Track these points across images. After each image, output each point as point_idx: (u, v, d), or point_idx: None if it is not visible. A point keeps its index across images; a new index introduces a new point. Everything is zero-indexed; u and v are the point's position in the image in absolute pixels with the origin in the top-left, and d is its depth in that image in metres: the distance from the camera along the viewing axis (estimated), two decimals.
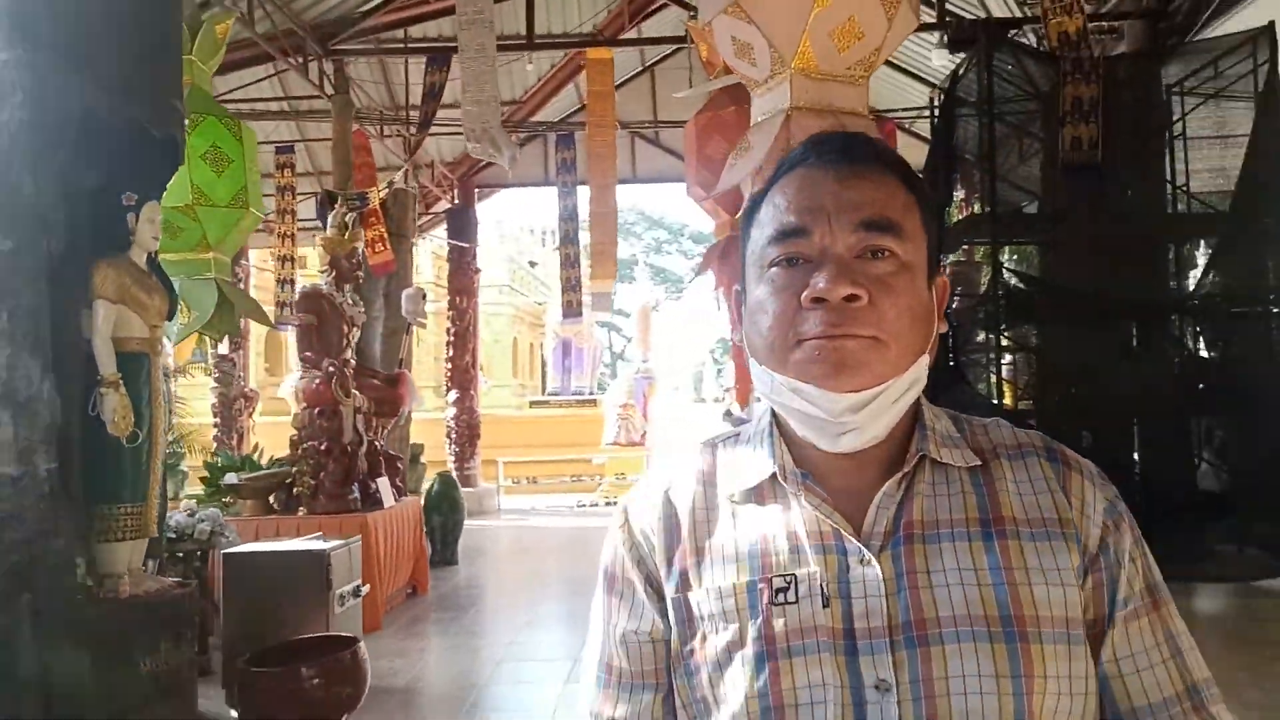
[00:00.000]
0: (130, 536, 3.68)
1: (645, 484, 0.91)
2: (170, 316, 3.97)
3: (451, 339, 12.28)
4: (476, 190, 12.80)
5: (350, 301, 6.57)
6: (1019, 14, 7.99)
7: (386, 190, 8.48)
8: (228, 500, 6.16)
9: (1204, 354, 6.97)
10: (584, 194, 11.38)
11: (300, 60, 7.72)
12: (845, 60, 3.72)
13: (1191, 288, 6.96)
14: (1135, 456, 7.22)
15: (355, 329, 6.58)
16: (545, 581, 7.80)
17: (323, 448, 6.00)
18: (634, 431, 14.56)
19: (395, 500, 6.46)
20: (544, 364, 25.43)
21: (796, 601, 0.77)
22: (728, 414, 9.36)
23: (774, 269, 0.79)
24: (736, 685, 0.77)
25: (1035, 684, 0.74)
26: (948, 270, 7.27)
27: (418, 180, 9.58)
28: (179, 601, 3.84)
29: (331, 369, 6.13)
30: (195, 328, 5.85)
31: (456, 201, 12.46)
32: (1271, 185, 6.17)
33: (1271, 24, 6.11)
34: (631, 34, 9.94)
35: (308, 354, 6.25)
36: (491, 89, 6.09)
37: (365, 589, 4.71)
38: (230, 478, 6.04)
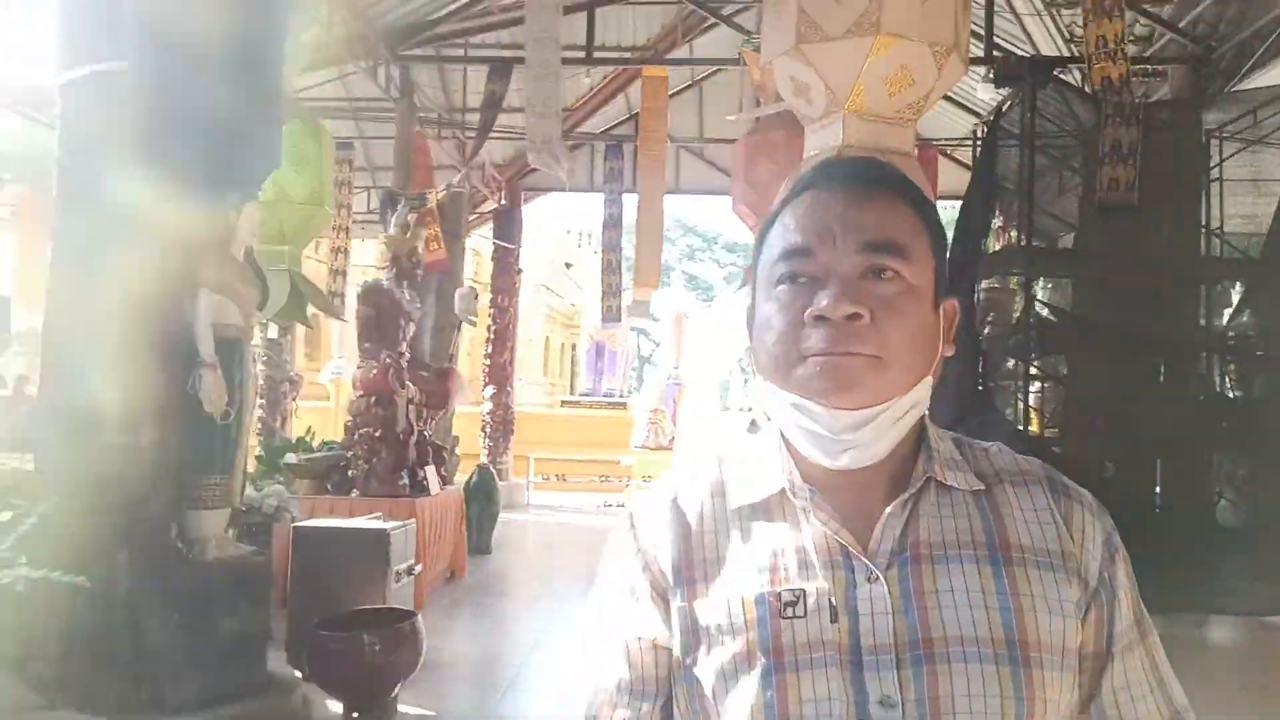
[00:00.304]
0: (217, 505, 4.04)
1: (653, 493, 0.92)
2: (262, 307, 4.33)
3: (491, 336, 12.63)
4: (524, 193, 13.17)
5: (408, 298, 6.92)
6: (1066, 52, 8.19)
7: (445, 192, 8.84)
8: (280, 479, 6.52)
9: (1230, 393, 7.13)
10: (629, 202, 11.81)
11: (371, 64, 8.10)
12: (895, 104, 4.00)
13: (1221, 329, 7.12)
14: (1157, 489, 7.41)
15: (411, 324, 6.94)
16: (574, 576, 8.10)
17: (377, 434, 6.35)
18: (662, 436, 14.86)
19: (440, 489, 6.80)
20: (574, 364, 25.81)
21: (805, 616, 0.78)
22: (753, 424, 9.60)
23: (780, 287, 0.81)
24: (743, 697, 0.78)
25: (1036, 708, 0.76)
26: (981, 295, 7.51)
27: (469, 181, 9.91)
28: (257, 568, 4.20)
29: (389, 361, 6.49)
30: (269, 316, 6.21)
31: (504, 202, 12.82)
32: None
33: None
34: (683, 50, 10.26)
35: (366, 345, 6.61)
36: (555, 103, 6.42)
37: (418, 568, 5.05)
38: (289, 458, 6.39)
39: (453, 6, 8.36)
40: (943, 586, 0.78)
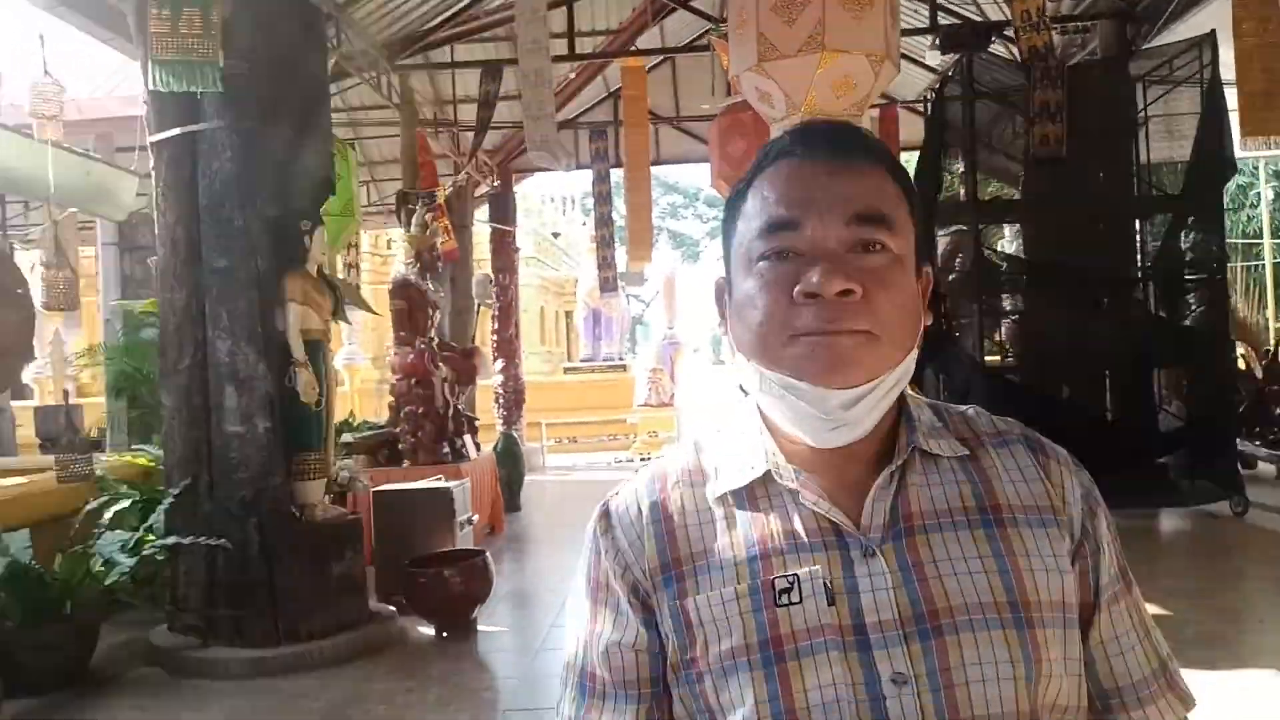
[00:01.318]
0: (317, 477, 4.96)
1: (627, 488, 0.89)
2: (336, 314, 5.21)
3: (496, 314, 13.49)
4: (514, 175, 13.92)
5: (432, 288, 7.80)
6: (1005, 17, 8.99)
7: (451, 189, 9.66)
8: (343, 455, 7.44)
9: (1162, 315, 8.07)
10: (615, 175, 12.60)
11: (374, 75, 8.86)
12: (842, 104, 4.86)
13: (1151, 259, 8.05)
14: (1108, 404, 8.38)
15: (437, 311, 7.82)
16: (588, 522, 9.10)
17: (420, 411, 7.26)
18: (663, 393, 15.82)
19: (476, 454, 7.73)
20: (569, 331, 26.66)
21: (800, 601, 0.76)
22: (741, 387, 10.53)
23: (763, 263, 0.78)
24: (744, 691, 0.76)
25: (1043, 668, 0.75)
26: (949, 240, 8.40)
27: (468, 172, 10.71)
28: (352, 525, 5.14)
29: (423, 346, 7.38)
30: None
31: (496, 186, 13.59)
32: (1213, 170, 7.24)
33: (1213, 31, 7.12)
34: (654, 31, 11.00)
35: (401, 334, 7.50)
36: (549, 106, 7.24)
37: (476, 517, 6.00)
38: (345, 437, 7.31)
39: (444, 17, 9.10)
40: (940, 556, 0.77)
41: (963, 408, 0.89)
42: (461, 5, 9.09)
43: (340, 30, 8.02)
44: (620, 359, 19.21)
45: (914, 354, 0.80)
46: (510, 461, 9.25)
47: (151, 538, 4.77)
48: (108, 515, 5.11)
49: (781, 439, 0.83)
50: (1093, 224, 8.02)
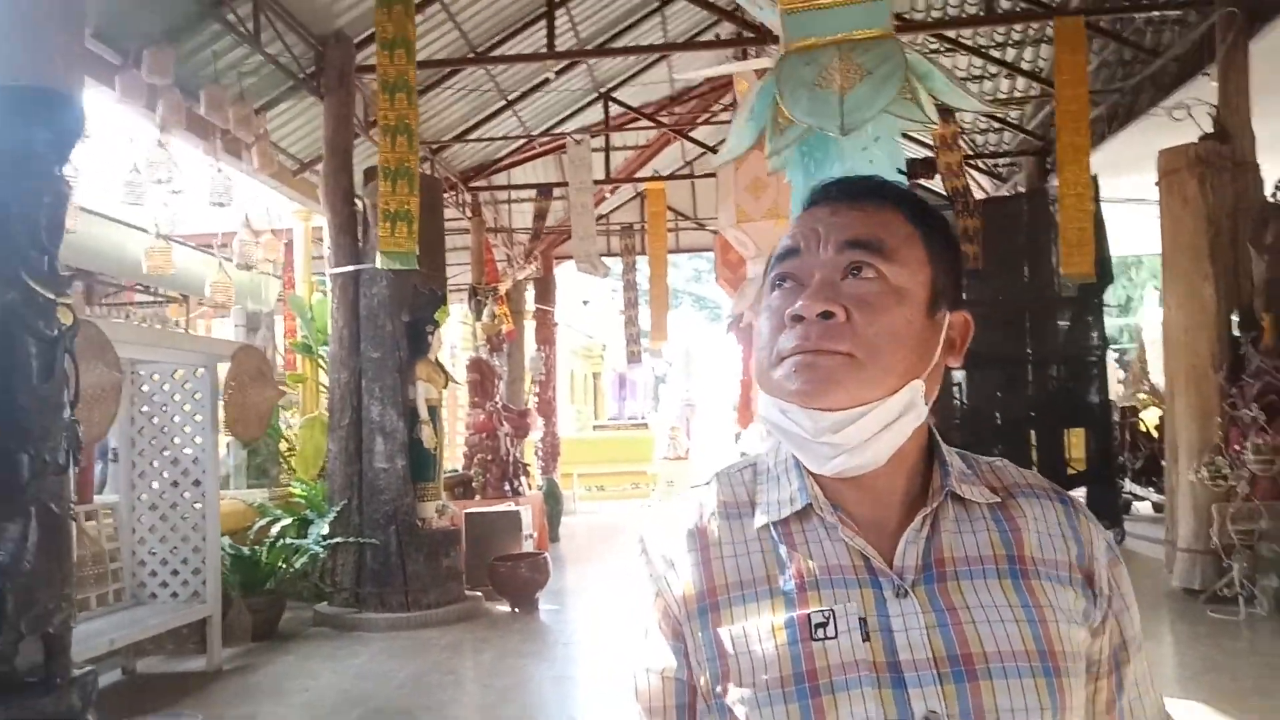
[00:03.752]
0: (433, 499, 7.24)
1: (666, 515, 0.90)
2: (446, 387, 7.54)
3: (538, 379, 15.85)
4: (554, 261, 16.42)
5: (497, 363, 10.14)
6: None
7: (510, 285, 12.08)
8: None
9: (1069, 387, 10.23)
10: (640, 264, 15.02)
11: (454, 195, 11.36)
12: None
13: (1059, 344, 10.24)
14: (1032, 456, 10.49)
15: (501, 381, 10.15)
16: (614, 553, 11.29)
17: (489, 459, 9.54)
18: (680, 448, 18.02)
19: (529, 492, 9.98)
20: (596, 392, 29.00)
21: (836, 636, 0.77)
22: (738, 436, 12.67)
23: (773, 293, 0.83)
24: None
25: (1067, 716, 0.78)
26: None
27: (526, 271, 13.14)
28: (454, 534, 7.39)
29: (491, 409, 9.70)
30: None
31: (539, 271, 16.07)
32: (1099, 280, 9.47)
33: (1095, 175, 9.41)
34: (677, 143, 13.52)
35: (475, 399, 9.82)
36: (591, 229, 9.64)
37: (535, 534, 8.23)
38: None
39: (506, 151, 11.63)
40: (972, 602, 0.79)
41: (990, 458, 0.90)
42: (521, 143, 11.62)
43: (433, 165, 10.54)
44: (643, 418, 21.48)
45: (917, 386, 0.80)
46: (553, 501, 11.48)
47: (323, 539, 7.03)
48: (275, 529, 7.39)
49: (819, 476, 0.83)
50: (1018, 318, 10.26)
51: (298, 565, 6.93)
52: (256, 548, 6.82)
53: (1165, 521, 7.14)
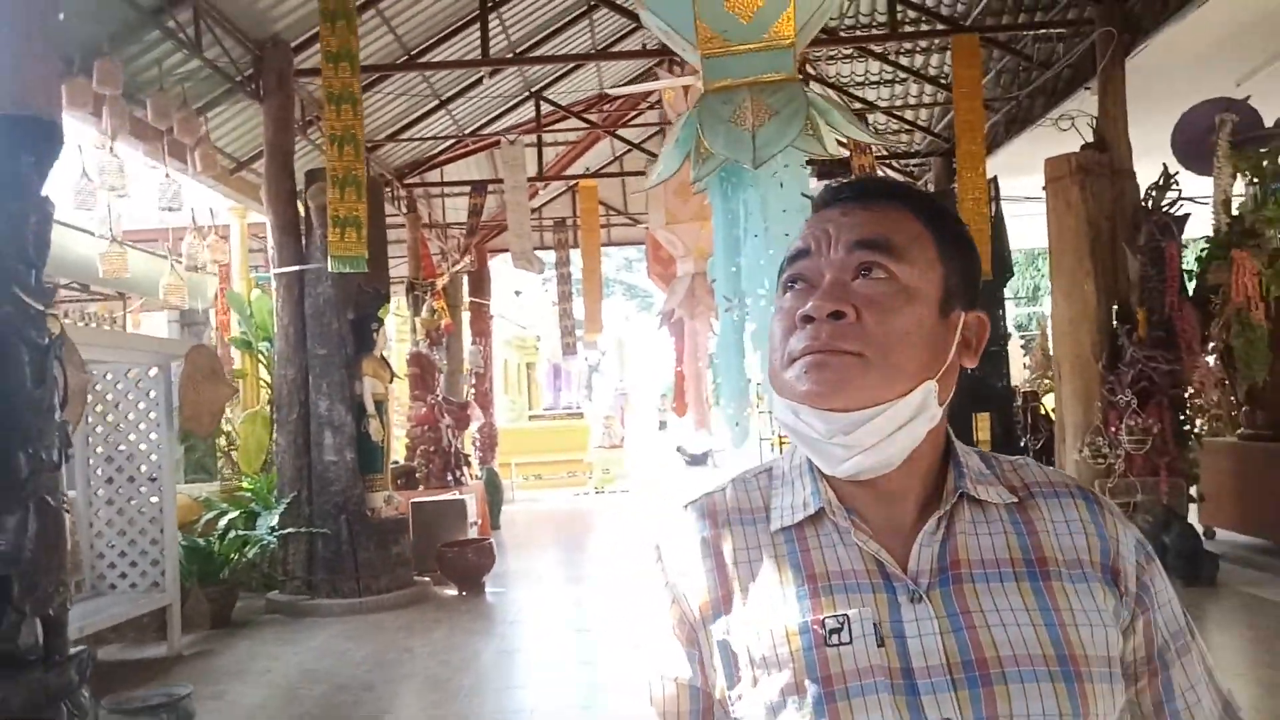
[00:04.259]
0: (380, 490, 7.56)
1: (681, 521, 0.90)
2: (391, 382, 7.84)
3: (476, 371, 16.12)
4: (488, 254, 16.68)
5: (436, 357, 10.45)
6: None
7: (447, 279, 12.35)
8: None
9: (977, 374, 11.00)
10: (573, 257, 15.40)
11: (389, 192, 11.57)
12: None
13: None
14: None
15: (440, 374, 10.46)
16: (557, 537, 11.71)
17: (431, 450, 9.86)
18: (615, 437, 18.50)
19: (470, 481, 10.33)
20: (530, 382, 29.29)
21: (850, 642, 0.77)
22: (663, 424, 13.19)
23: (784, 295, 0.83)
24: None
25: None
26: None
27: (461, 264, 13.41)
28: (402, 522, 7.73)
29: (432, 401, 10.00)
30: None
31: (473, 265, 16.32)
32: (999, 272, 10.23)
33: (995, 177, 10.15)
34: (606, 140, 13.93)
35: (416, 392, 10.11)
36: (527, 227, 10.00)
37: (479, 521, 8.60)
38: None
39: (440, 149, 11.89)
40: (987, 606, 0.78)
41: (1013, 457, 0.90)
42: (453, 141, 11.89)
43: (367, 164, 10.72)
44: (578, 407, 21.89)
45: (930, 387, 0.79)
46: (493, 490, 11.84)
47: (273, 530, 7.30)
48: (223, 522, 7.62)
49: (832, 479, 0.83)
50: None
51: (250, 555, 7.19)
52: (210, 539, 7.06)
53: None
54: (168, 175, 6.52)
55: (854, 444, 0.78)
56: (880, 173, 10.40)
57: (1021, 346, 17.20)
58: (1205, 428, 7.31)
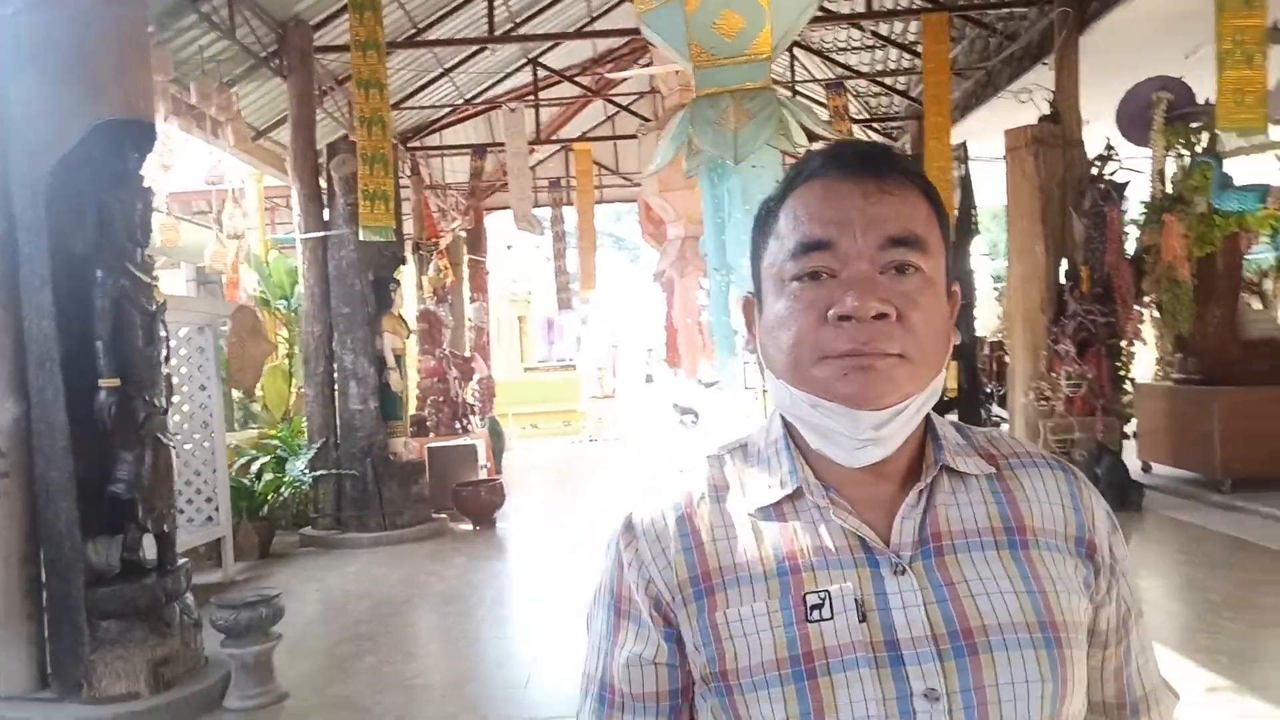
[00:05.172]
0: (400, 435, 8.36)
1: (652, 501, 0.88)
2: (408, 337, 8.58)
3: (477, 326, 16.86)
4: (484, 212, 17.30)
5: (443, 313, 11.17)
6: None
7: (449, 239, 13.02)
8: None
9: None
10: (567, 214, 16.06)
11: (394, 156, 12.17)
12: None
13: None
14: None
15: (446, 329, 11.19)
16: (554, 478, 12.59)
17: (440, 400, 10.64)
18: (607, 388, 19.36)
19: (477, 429, 11.13)
20: (522, 335, 30.06)
21: (832, 618, 0.77)
22: (649, 377, 13.95)
23: (795, 283, 0.79)
24: (777, 707, 0.77)
25: (1068, 686, 0.78)
26: None
27: (464, 224, 14.07)
28: (420, 464, 8.54)
29: (440, 355, 10.76)
30: None
31: (470, 222, 16.95)
32: (965, 231, 10.97)
33: (964, 143, 10.85)
34: (598, 102, 14.51)
35: (425, 347, 10.85)
36: (528, 190, 10.65)
37: (488, 465, 9.43)
38: None
39: (444, 112, 12.47)
40: (970, 575, 0.79)
41: (986, 429, 0.91)
42: (457, 104, 12.47)
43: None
44: (571, 360, 22.70)
45: (943, 373, 0.81)
46: (496, 437, 12.64)
47: (305, 472, 8.08)
48: (254, 466, 8.40)
49: (811, 456, 0.84)
50: None
51: (285, 495, 8.00)
52: (251, 479, 7.85)
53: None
54: (210, 151, 7.15)
55: (880, 437, 0.78)
56: (861, 135, 11.07)
57: (996, 299, 18.05)
58: (1153, 375, 8.11)
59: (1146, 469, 8.33)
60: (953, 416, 11.39)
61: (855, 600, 0.78)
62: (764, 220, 0.85)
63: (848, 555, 0.80)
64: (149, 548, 4.22)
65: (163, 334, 4.31)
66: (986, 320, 11.93)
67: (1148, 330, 7.54)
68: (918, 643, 0.76)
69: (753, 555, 0.82)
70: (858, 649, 0.76)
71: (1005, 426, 12.81)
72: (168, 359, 4.36)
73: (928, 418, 0.84)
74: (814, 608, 0.78)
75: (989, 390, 12.25)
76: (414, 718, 4.06)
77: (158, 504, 4.22)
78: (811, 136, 4.12)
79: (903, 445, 0.81)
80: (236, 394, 10.28)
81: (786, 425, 0.86)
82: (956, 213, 11.06)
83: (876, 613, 0.78)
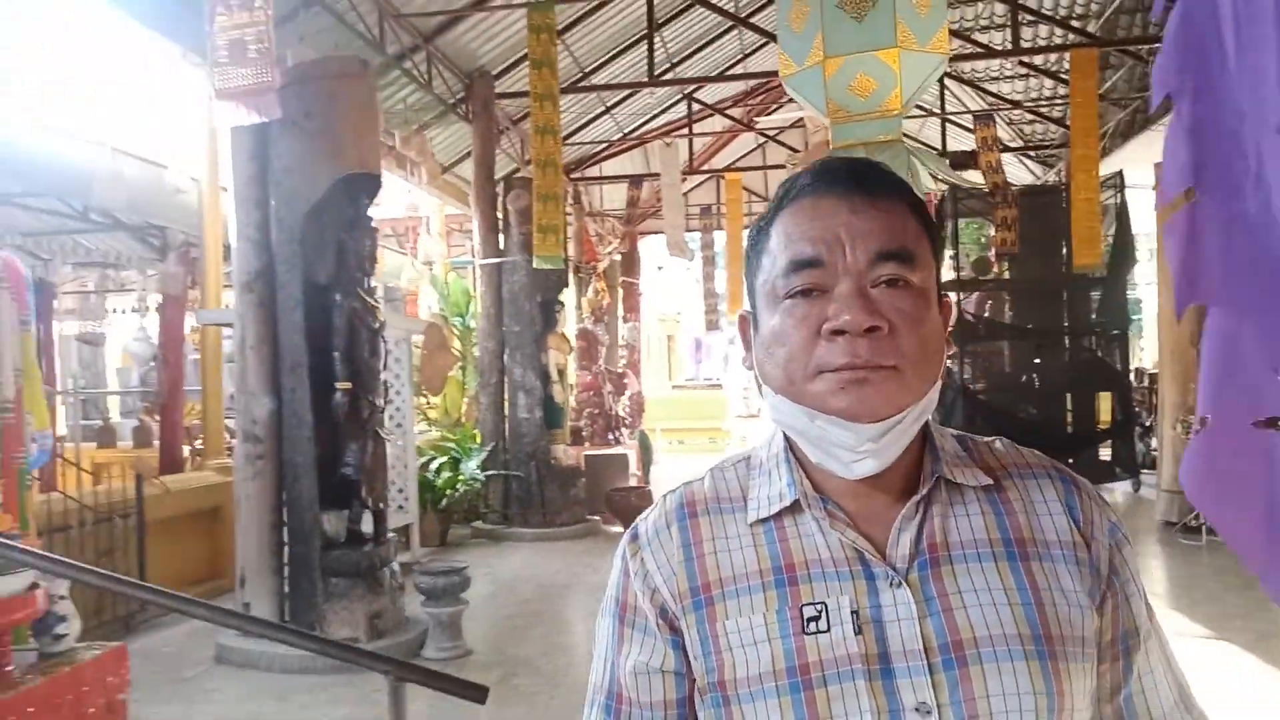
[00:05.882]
0: (560, 442, 9.23)
1: (656, 512, 0.91)
2: (570, 354, 9.47)
3: (630, 345, 17.79)
4: (638, 237, 18.25)
5: (600, 333, 12.06)
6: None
7: (607, 262, 13.98)
8: None
9: (1101, 357, 11.67)
10: (717, 239, 16.74)
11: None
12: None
13: (1089, 318, 11.68)
14: (1068, 415, 11.97)
15: (602, 347, 12.07)
16: None
17: (596, 412, 11.50)
18: (752, 407, 19.87)
19: (627, 440, 11.93)
20: (670, 354, 30.98)
21: (829, 630, 0.78)
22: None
23: (789, 300, 0.80)
24: (771, 718, 0.78)
25: (1064, 700, 0.77)
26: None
27: (619, 250, 15.02)
28: (578, 469, 9.39)
29: (596, 370, 11.63)
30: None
31: (625, 246, 17.93)
32: (1123, 261, 10.85)
33: (1121, 171, 10.76)
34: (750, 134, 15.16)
35: (584, 363, 11.77)
36: (681, 218, 11.39)
37: (639, 473, 10.18)
38: None
39: (601, 147, 13.46)
40: (965, 587, 0.79)
41: (988, 438, 0.90)
42: (615, 139, 13.42)
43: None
44: (718, 379, 23.35)
45: (938, 385, 0.81)
46: (645, 449, 13.42)
47: (478, 473, 9.06)
48: (434, 465, 9.45)
49: (810, 468, 0.84)
50: (1055, 296, 11.71)
51: (460, 491, 9.00)
52: (431, 475, 8.91)
53: (1157, 468, 8.69)
54: (409, 191, 8.28)
55: (876, 450, 0.79)
56: (1013, 164, 11.20)
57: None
58: None
59: None
60: (1106, 448, 11.29)
61: (852, 612, 0.79)
62: (756, 238, 0.87)
63: (845, 567, 0.81)
64: (368, 521, 5.16)
65: (384, 347, 5.26)
66: (1151, 351, 11.67)
67: None
68: (910, 656, 0.77)
69: (752, 567, 0.83)
70: (853, 661, 0.77)
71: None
72: (385, 366, 5.30)
73: (927, 429, 0.86)
74: (811, 620, 0.79)
75: (1148, 424, 11.97)
76: (577, 677, 4.78)
77: (376, 486, 5.16)
78: (985, 116, 4.55)
79: (900, 457, 0.82)
80: (415, 400, 11.58)
81: (787, 438, 0.87)
82: (1111, 241, 10.99)
83: (872, 625, 0.78)
